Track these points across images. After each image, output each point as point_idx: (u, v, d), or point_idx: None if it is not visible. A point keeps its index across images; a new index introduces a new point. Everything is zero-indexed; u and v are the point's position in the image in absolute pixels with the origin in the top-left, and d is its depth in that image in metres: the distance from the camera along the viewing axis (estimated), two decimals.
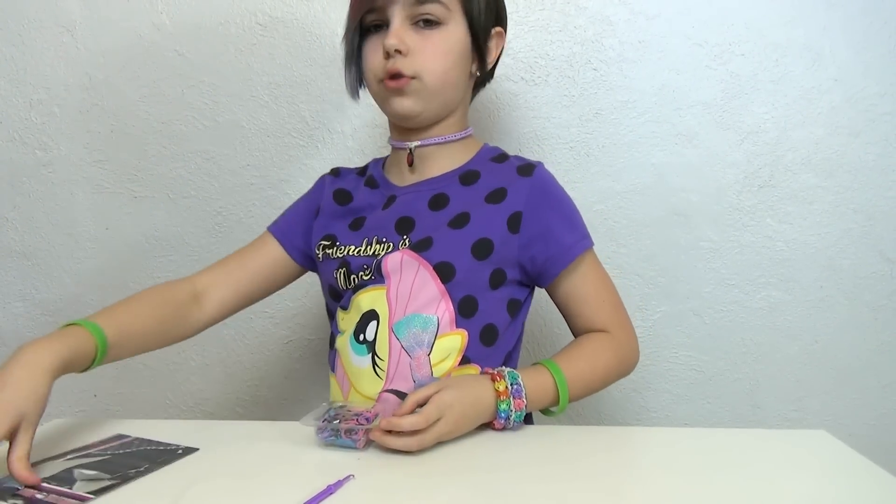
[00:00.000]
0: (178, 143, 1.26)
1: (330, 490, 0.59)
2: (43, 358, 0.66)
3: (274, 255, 0.95)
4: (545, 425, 0.83)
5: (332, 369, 0.88)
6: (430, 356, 0.80)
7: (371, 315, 0.83)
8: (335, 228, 0.91)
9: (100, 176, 1.28)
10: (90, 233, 1.30)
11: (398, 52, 0.79)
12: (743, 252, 1.17)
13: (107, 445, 0.72)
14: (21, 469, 0.60)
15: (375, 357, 0.82)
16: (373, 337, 0.82)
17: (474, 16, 0.82)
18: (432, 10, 0.80)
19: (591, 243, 0.87)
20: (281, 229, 0.96)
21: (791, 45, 1.12)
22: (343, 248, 0.88)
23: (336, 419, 0.70)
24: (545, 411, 0.81)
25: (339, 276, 0.87)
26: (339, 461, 0.67)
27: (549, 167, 0.89)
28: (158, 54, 1.24)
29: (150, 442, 0.73)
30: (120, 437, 0.75)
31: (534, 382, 0.77)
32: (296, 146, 1.24)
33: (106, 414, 1.33)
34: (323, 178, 0.99)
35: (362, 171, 0.98)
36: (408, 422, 0.66)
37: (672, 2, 1.13)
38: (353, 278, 0.86)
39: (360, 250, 0.86)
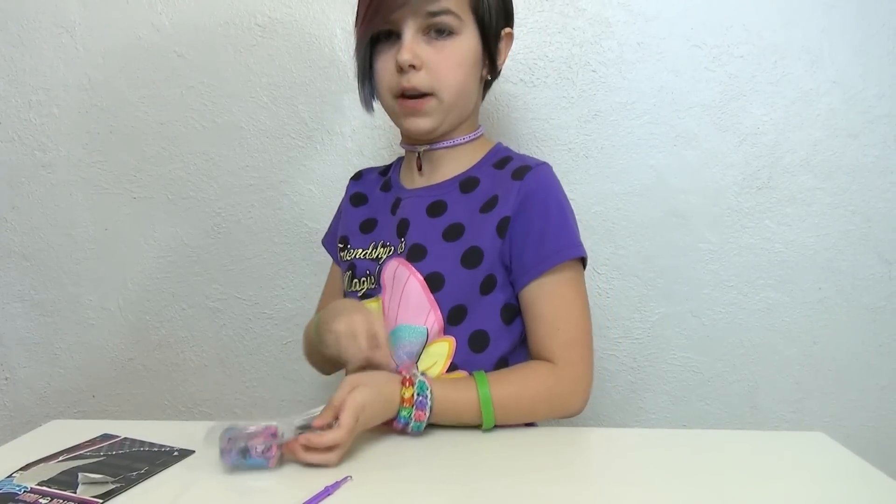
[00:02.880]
0: (177, 143, 1.26)
1: (328, 491, 0.59)
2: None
3: (337, 268, 0.99)
4: (543, 427, 0.83)
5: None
6: (418, 363, 0.81)
7: None
8: (349, 231, 0.93)
9: (99, 177, 1.28)
10: (89, 233, 1.30)
11: (412, 66, 0.77)
12: (741, 253, 1.17)
13: (97, 446, 0.72)
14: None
15: None
16: None
17: (486, 21, 0.80)
18: (446, 21, 0.77)
19: (574, 255, 0.80)
20: (328, 240, 1.02)
21: (789, 48, 1.12)
22: (353, 251, 0.90)
23: (239, 439, 0.64)
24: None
25: (346, 278, 0.89)
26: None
27: None
28: (158, 55, 1.24)
29: (141, 443, 0.73)
30: (107, 436, 0.75)
31: (448, 397, 0.73)
32: (295, 147, 1.24)
33: (104, 415, 1.33)
34: (349, 182, 1.01)
35: (385, 170, 0.98)
36: (328, 438, 0.64)
37: (671, 4, 1.13)
38: (356, 283, 0.87)
39: (365, 253, 0.88)
